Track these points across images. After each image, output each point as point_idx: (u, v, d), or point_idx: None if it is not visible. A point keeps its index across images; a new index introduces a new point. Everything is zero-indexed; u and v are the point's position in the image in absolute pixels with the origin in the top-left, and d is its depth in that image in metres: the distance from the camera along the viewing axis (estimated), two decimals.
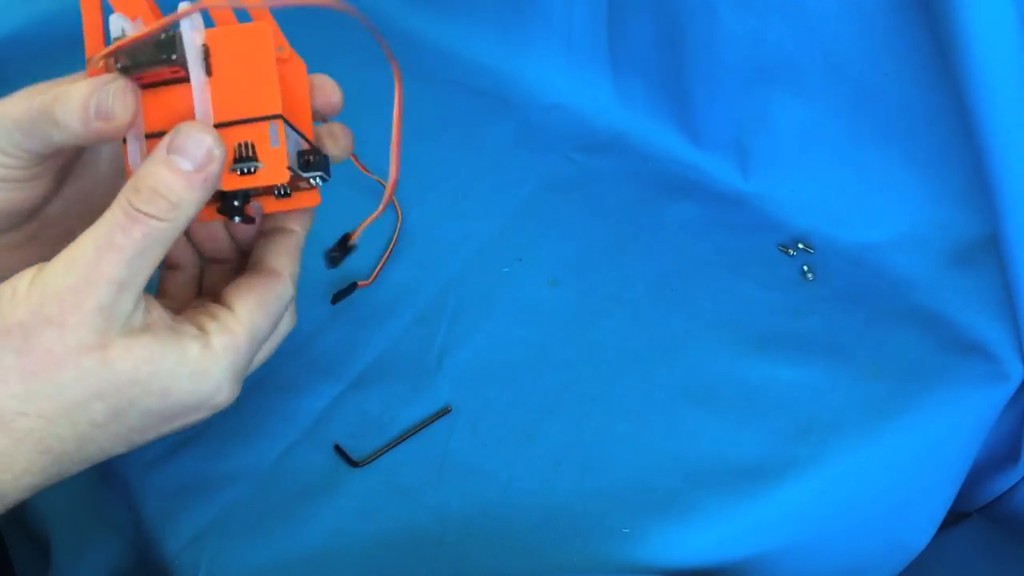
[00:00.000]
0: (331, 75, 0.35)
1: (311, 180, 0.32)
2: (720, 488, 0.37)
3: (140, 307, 0.29)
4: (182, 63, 0.29)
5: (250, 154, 0.29)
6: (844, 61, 0.44)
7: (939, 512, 0.42)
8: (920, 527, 0.41)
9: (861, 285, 0.46)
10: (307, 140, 0.33)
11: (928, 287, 0.45)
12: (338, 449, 0.39)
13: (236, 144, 0.29)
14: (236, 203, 0.31)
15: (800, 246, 0.48)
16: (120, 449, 0.30)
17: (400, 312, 0.45)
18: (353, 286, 0.45)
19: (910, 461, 0.40)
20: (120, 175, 0.35)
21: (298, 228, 0.36)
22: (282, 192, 0.34)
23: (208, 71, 0.29)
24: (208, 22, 0.31)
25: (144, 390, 0.29)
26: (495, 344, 0.43)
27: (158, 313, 0.30)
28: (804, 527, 0.38)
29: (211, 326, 0.31)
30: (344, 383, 0.42)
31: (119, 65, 0.29)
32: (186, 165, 0.28)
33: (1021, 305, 0.40)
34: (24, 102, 0.30)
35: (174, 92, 0.29)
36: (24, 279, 0.28)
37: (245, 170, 0.29)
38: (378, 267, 0.47)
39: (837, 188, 0.48)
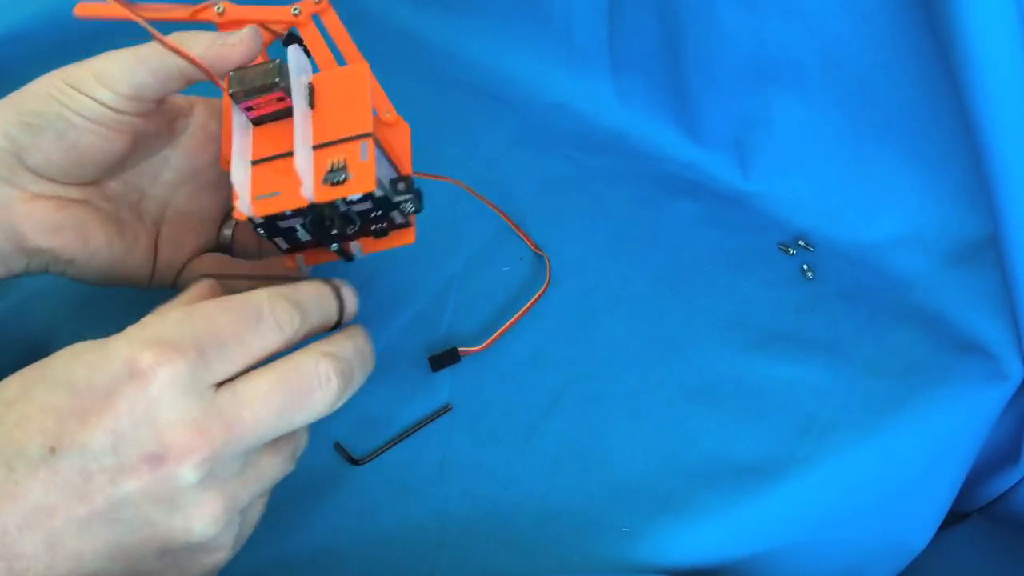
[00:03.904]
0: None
1: (403, 207, 0.33)
2: (720, 487, 0.37)
3: None
4: (286, 89, 0.31)
5: (341, 166, 0.31)
6: (844, 60, 0.44)
7: (939, 512, 0.42)
8: (920, 527, 0.41)
9: (861, 284, 0.46)
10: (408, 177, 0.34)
11: (928, 286, 0.45)
12: (338, 447, 0.39)
13: (329, 161, 0.31)
14: (335, 233, 0.33)
15: (800, 244, 0.48)
16: (35, 437, 0.24)
17: (400, 311, 0.45)
18: (455, 353, 0.42)
19: (910, 460, 0.40)
20: (184, 183, 0.37)
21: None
22: (380, 228, 0.34)
23: (311, 104, 0.32)
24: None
25: (52, 364, 0.26)
26: (495, 343, 0.43)
27: None
28: (803, 526, 0.38)
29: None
30: None
31: (230, 91, 0.31)
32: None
33: (1021, 304, 0.40)
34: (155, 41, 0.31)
35: (280, 125, 0.32)
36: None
37: (335, 180, 0.30)
38: (496, 333, 0.43)
39: (837, 187, 0.48)
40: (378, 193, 0.31)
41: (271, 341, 0.28)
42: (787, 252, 0.48)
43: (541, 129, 0.56)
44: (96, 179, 0.35)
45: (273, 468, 0.29)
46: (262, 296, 0.29)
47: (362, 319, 0.45)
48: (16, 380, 0.26)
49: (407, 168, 0.35)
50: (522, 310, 0.44)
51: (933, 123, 0.43)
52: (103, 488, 0.24)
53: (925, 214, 0.46)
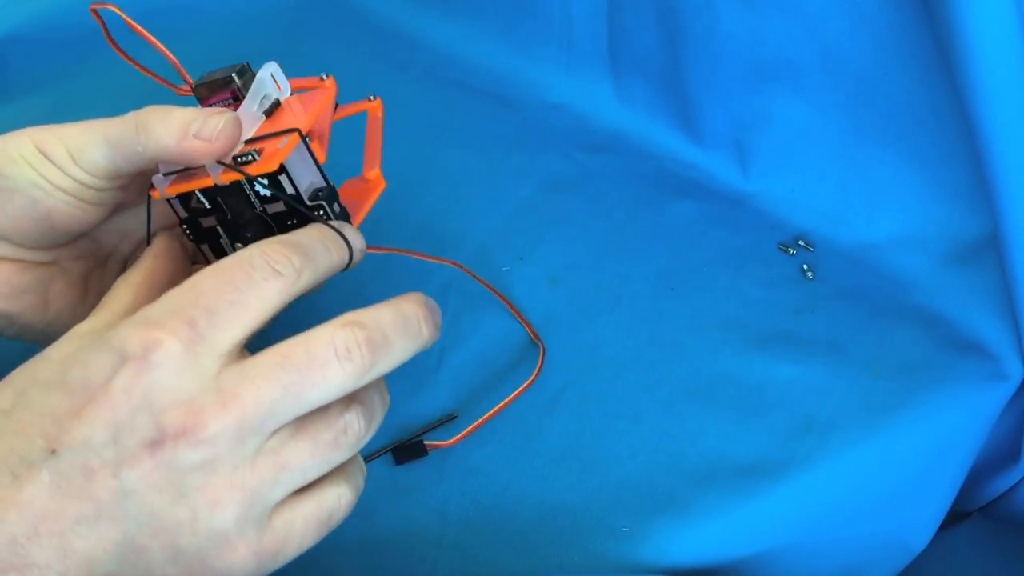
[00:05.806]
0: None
1: (317, 213, 0.32)
2: (720, 487, 0.37)
3: None
4: (242, 90, 0.31)
5: (256, 151, 0.30)
6: (844, 60, 0.44)
7: (939, 512, 0.42)
8: (920, 527, 0.41)
9: (861, 284, 0.46)
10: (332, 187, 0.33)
11: (928, 286, 0.45)
12: None
13: (248, 150, 0.30)
14: (250, 236, 0.32)
15: (800, 244, 0.48)
16: (36, 442, 0.24)
17: None
18: (421, 446, 0.39)
19: (910, 460, 0.40)
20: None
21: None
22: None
23: (268, 114, 0.32)
24: None
25: (44, 367, 0.26)
26: (495, 343, 0.43)
27: None
28: (803, 526, 0.38)
29: None
30: None
31: (194, 87, 0.31)
32: None
33: (1021, 304, 0.40)
34: (124, 119, 0.30)
35: None
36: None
37: (241, 160, 0.30)
38: (472, 426, 0.39)
39: (837, 187, 0.48)
40: (286, 185, 0.30)
41: (270, 290, 0.26)
42: (787, 252, 0.48)
43: (541, 129, 0.56)
44: (66, 243, 0.33)
45: (300, 455, 0.26)
46: (252, 249, 0.26)
47: None
48: (8, 388, 0.25)
49: (357, 217, 0.34)
50: (510, 397, 0.40)
51: (933, 123, 0.43)
52: (106, 482, 0.23)
53: (925, 214, 0.46)
